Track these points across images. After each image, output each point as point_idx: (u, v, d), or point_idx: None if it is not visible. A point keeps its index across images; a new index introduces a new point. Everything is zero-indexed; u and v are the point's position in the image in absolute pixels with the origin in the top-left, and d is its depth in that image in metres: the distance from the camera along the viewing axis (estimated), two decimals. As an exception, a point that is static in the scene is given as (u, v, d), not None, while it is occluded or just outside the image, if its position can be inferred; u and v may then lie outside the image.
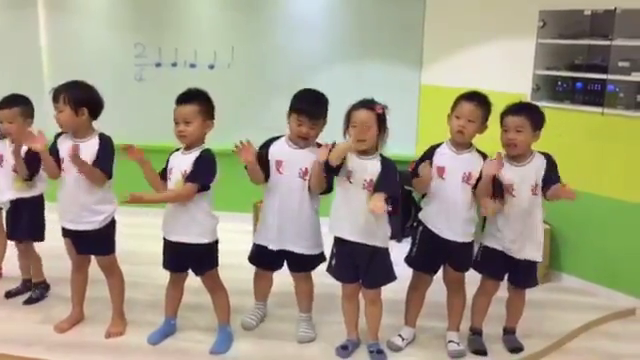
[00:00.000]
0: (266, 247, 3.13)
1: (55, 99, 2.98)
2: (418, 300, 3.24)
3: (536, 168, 3.00)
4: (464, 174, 2.98)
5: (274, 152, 3.09)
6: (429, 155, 3.05)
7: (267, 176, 3.10)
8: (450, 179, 3.00)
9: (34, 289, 3.58)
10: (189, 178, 2.92)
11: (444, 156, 3.04)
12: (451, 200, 3.00)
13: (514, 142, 2.95)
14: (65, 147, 3.02)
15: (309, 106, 3.01)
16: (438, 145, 3.09)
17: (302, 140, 3.05)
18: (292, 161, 3.05)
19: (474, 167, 2.98)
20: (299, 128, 3.01)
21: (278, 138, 3.14)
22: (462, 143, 3.01)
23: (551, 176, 2.98)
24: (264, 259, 3.20)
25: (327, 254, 3.13)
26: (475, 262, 3.15)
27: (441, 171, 3.02)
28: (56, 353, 3.05)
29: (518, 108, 3.00)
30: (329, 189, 3.07)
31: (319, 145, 3.02)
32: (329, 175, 2.94)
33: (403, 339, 3.19)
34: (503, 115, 3.01)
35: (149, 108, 4.92)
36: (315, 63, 4.97)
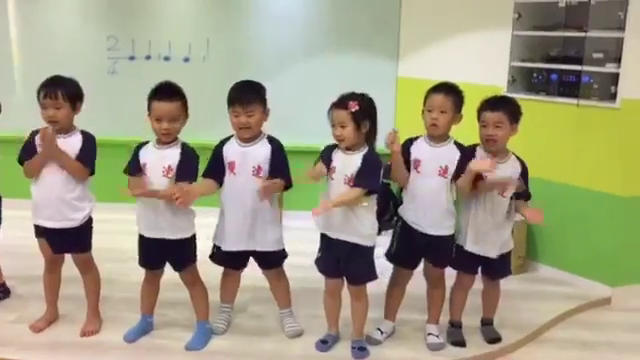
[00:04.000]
0: (230, 249, 3.08)
1: (51, 96, 2.92)
2: (398, 295, 3.23)
3: (511, 171, 3.00)
4: (440, 168, 2.97)
5: (226, 153, 3.04)
6: (405, 148, 3.04)
7: (221, 180, 3.04)
8: (426, 172, 2.99)
9: None
10: (182, 177, 2.89)
11: (420, 149, 3.03)
12: (427, 194, 2.98)
13: (494, 138, 2.95)
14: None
15: (239, 94, 2.98)
16: (416, 138, 3.08)
17: (245, 131, 2.98)
18: (244, 160, 2.99)
19: (450, 160, 2.97)
20: (237, 119, 2.96)
21: (229, 139, 3.08)
22: (438, 136, 3.00)
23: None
24: (228, 259, 3.15)
25: (311, 248, 3.09)
26: (450, 259, 3.15)
27: (417, 164, 3.01)
28: (30, 353, 2.98)
29: (496, 103, 2.99)
30: (289, 185, 3.05)
31: (271, 139, 3.01)
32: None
33: (382, 332, 3.19)
34: (480, 110, 3.00)
35: (122, 102, 4.84)
36: (291, 56, 4.95)
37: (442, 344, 3.13)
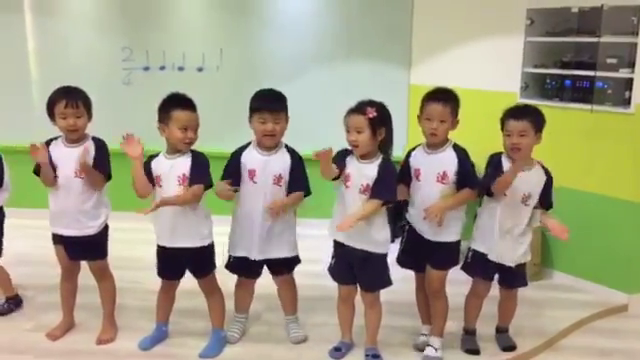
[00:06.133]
0: (247, 258, 3.09)
1: (72, 105, 2.95)
2: (425, 299, 3.21)
3: (535, 179, 2.99)
4: (438, 174, 2.95)
5: (246, 161, 3.05)
6: (406, 159, 3.07)
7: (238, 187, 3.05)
8: (425, 180, 2.99)
9: (4, 303, 3.48)
10: (195, 180, 2.92)
11: (418, 158, 3.03)
12: (429, 201, 2.96)
13: (518, 146, 2.94)
14: (58, 153, 3.01)
15: (268, 102, 3.01)
16: (414, 148, 3.09)
17: (269, 139, 3.01)
18: (265, 169, 3.01)
19: (448, 166, 2.95)
20: (264, 126, 2.98)
21: (246, 147, 3.10)
22: (436, 143, 2.99)
23: (546, 196, 3.02)
24: (244, 268, 3.16)
25: (325, 256, 3.12)
26: (465, 264, 3.14)
27: (417, 173, 3.02)
28: (46, 361, 3.02)
29: (520, 112, 2.98)
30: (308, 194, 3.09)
31: (290, 149, 3.04)
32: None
33: (427, 335, 3.19)
34: (504, 119, 2.99)
35: (137, 112, 4.86)
36: (304, 64, 4.97)
37: (439, 359, 3.09)
